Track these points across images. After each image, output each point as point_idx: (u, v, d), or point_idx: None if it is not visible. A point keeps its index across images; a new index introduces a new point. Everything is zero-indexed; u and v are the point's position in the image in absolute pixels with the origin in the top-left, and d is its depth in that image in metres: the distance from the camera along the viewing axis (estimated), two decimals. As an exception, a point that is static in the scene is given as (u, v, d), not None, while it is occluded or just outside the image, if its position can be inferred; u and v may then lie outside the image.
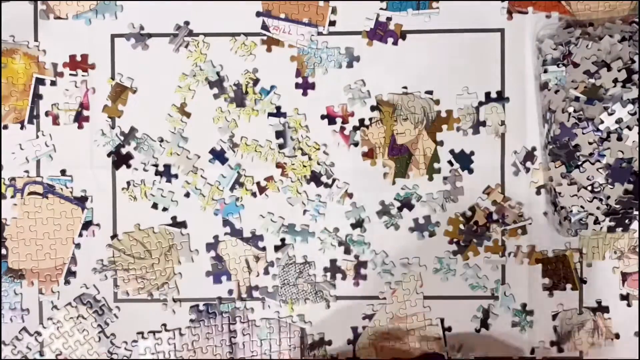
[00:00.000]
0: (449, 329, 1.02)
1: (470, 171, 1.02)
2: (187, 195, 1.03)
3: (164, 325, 1.03)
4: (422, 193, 1.02)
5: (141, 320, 1.04)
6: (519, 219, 1.01)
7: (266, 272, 1.03)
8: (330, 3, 1.02)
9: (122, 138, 1.03)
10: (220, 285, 1.03)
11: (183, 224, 1.03)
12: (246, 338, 1.03)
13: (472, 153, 1.02)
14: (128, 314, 1.04)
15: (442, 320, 1.02)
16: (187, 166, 1.03)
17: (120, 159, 1.03)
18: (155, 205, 1.03)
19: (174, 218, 1.03)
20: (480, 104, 1.01)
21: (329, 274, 1.03)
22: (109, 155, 1.03)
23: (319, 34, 1.02)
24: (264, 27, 1.03)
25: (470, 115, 1.01)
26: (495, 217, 1.02)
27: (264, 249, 1.03)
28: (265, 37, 1.03)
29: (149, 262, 1.03)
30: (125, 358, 1.03)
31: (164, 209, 1.03)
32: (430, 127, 1.02)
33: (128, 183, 1.03)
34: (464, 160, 1.02)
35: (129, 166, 1.03)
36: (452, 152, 1.02)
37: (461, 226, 1.02)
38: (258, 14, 1.03)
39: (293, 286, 1.03)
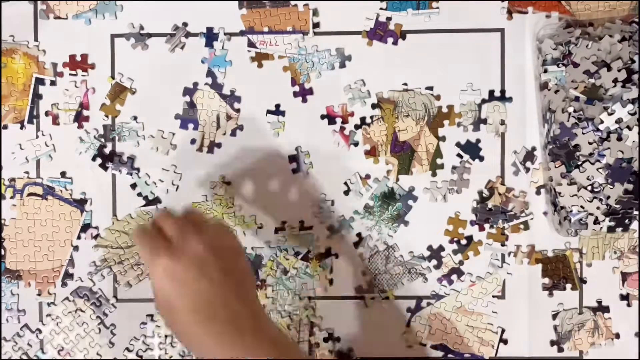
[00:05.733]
0: (505, 341, 1.03)
1: (481, 159, 1.02)
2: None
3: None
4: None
5: (141, 310, 1.04)
6: (525, 205, 1.02)
7: (233, 133, 1.03)
8: (311, 6, 1.02)
9: (102, 140, 1.03)
10: (186, 131, 1.03)
11: (157, 200, 1.03)
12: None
13: (478, 141, 1.02)
14: (127, 303, 1.04)
15: (502, 331, 1.03)
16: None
17: (105, 160, 1.03)
18: (134, 185, 1.04)
19: (145, 198, 1.03)
20: (483, 101, 1.01)
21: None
22: (93, 159, 1.03)
23: (306, 36, 1.03)
24: (250, 44, 1.03)
25: (472, 112, 1.02)
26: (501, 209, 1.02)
27: (238, 110, 1.03)
28: (254, 55, 1.03)
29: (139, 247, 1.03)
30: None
31: (139, 194, 1.04)
32: (431, 123, 1.02)
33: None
34: (472, 149, 1.02)
35: (112, 160, 1.03)
36: (458, 144, 1.02)
37: (474, 204, 1.02)
38: (242, 33, 1.03)
39: (385, 274, 1.03)
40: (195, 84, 1.03)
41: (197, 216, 0.85)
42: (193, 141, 1.03)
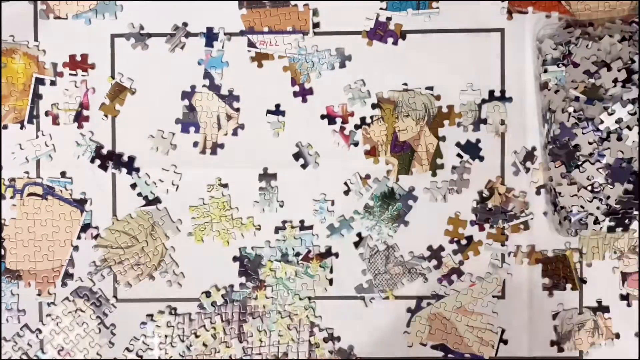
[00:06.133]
0: (505, 341, 1.03)
1: (481, 159, 1.02)
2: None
3: (174, 309, 1.03)
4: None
5: (141, 309, 1.04)
6: (525, 205, 1.02)
7: (235, 133, 1.03)
8: (311, 6, 1.02)
9: (98, 142, 1.03)
10: (187, 135, 1.03)
11: (157, 200, 1.03)
12: (255, 328, 1.03)
13: (478, 141, 1.02)
14: (127, 303, 1.04)
15: (502, 331, 1.03)
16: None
17: (103, 160, 1.03)
18: (133, 186, 1.04)
19: (145, 198, 1.03)
20: (483, 101, 1.01)
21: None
22: (92, 161, 1.03)
23: (306, 36, 1.03)
24: (250, 44, 1.03)
25: (472, 112, 1.02)
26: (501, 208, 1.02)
27: (238, 109, 1.03)
28: (254, 54, 1.03)
29: (139, 247, 1.03)
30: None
31: (139, 194, 1.04)
32: (431, 123, 1.02)
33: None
34: (472, 149, 1.02)
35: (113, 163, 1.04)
36: (458, 144, 1.02)
37: (474, 204, 1.02)
38: (242, 33, 1.03)
39: (385, 274, 1.03)
40: (193, 87, 1.03)
41: None
42: (196, 144, 1.03)
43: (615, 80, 0.95)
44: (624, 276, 1.02)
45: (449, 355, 1.03)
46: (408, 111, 1.02)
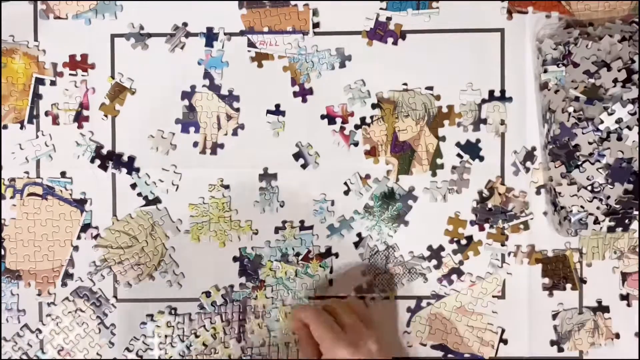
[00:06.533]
0: (505, 341, 1.02)
1: (481, 159, 1.02)
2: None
3: (174, 309, 1.03)
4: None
5: (141, 309, 1.04)
6: (525, 205, 1.02)
7: (235, 133, 1.03)
8: (311, 6, 1.02)
9: (98, 142, 1.03)
10: (187, 135, 1.03)
11: (157, 200, 1.03)
12: (255, 328, 1.03)
13: (478, 141, 1.02)
14: (127, 303, 1.04)
15: (502, 331, 1.03)
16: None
17: (103, 160, 1.03)
18: (133, 186, 1.04)
19: (145, 198, 1.03)
20: (483, 101, 1.01)
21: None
22: (92, 161, 1.03)
23: (306, 36, 1.03)
24: (250, 44, 1.03)
25: (472, 112, 1.02)
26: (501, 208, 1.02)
27: (238, 110, 1.03)
28: (254, 54, 1.03)
29: (139, 247, 1.03)
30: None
31: (139, 194, 1.04)
32: (431, 123, 1.02)
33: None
34: (472, 150, 1.02)
35: (113, 163, 1.04)
36: (458, 144, 1.02)
37: (474, 204, 1.02)
38: (242, 33, 1.03)
39: (385, 273, 1.03)
40: (193, 87, 1.03)
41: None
42: (195, 144, 1.03)
43: (615, 80, 0.95)
44: (624, 276, 1.02)
45: (449, 355, 1.03)
46: (408, 111, 1.02)
